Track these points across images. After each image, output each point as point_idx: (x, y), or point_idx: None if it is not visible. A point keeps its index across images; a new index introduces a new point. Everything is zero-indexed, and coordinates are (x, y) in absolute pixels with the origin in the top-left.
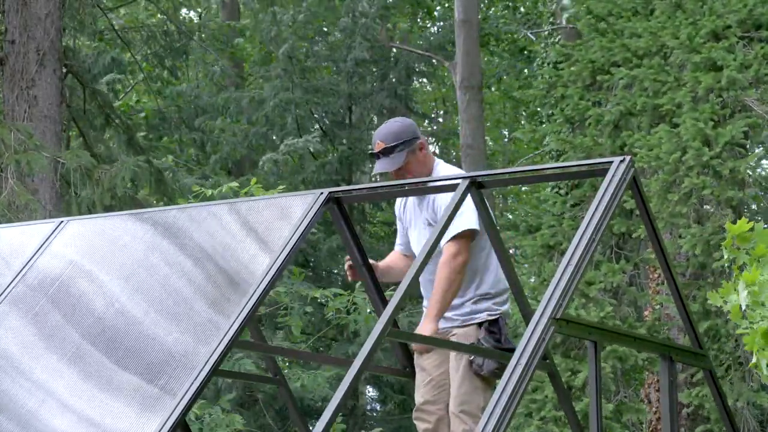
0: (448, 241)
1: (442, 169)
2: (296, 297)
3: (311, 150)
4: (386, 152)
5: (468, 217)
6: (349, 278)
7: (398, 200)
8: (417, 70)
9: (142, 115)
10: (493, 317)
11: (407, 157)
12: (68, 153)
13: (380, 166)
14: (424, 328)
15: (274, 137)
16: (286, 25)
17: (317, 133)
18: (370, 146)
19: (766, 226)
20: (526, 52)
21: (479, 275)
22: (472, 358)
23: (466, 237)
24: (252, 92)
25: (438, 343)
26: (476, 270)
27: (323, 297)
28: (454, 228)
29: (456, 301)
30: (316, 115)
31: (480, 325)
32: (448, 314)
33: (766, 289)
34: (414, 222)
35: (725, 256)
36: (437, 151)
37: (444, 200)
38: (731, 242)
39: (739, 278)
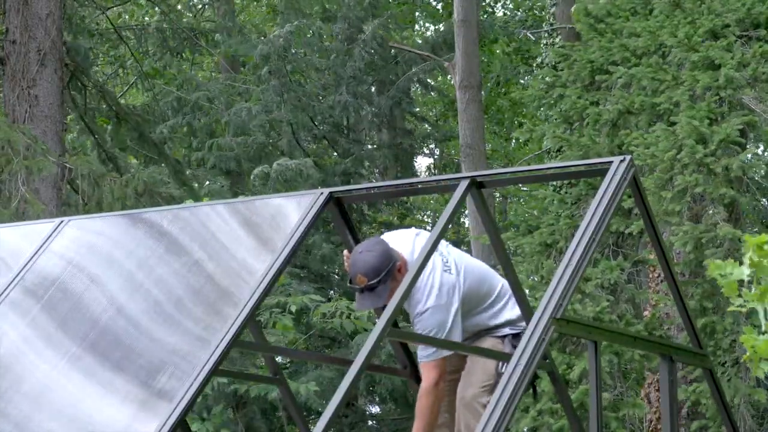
0: (427, 362)
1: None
2: (281, 304)
3: (302, 170)
4: (373, 287)
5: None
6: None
7: None
8: (417, 77)
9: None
10: (516, 332)
11: (390, 286)
12: (77, 159)
13: (367, 303)
14: None
15: (270, 147)
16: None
17: (309, 157)
18: (350, 281)
19: None
20: (525, 52)
21: (499, 304)
22: (501, 369)
23: (444, 358)
24: (248, 103)
25: (440, 343)
26: (495, 300)
27: (312, 303)
28: (430, 350)
29: (474, 324)
30: (314, 122)
31: (503, 338)
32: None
33: None
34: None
35: (745, 270)
36: (436, 152)
37: (415, 296)
38: (750, 255)
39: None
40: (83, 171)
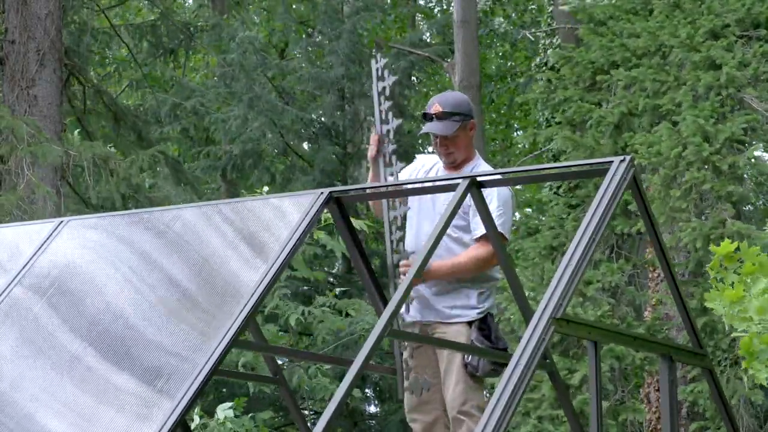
0: (487, 239)
1: (482, 165)
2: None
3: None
4: (442, 117)
5: (508, 222)
6: (371, 153)
7: (417, 168)
8: (416, 74)
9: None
10: (482, 315)
11: (459, 130)
12: (81, 144)
13: (433, 127)
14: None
15: (264, 149)
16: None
17: (303, 158)
18: (423, 110)
19: (754, 245)
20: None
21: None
22: (467, 360)
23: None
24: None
25: (435, 342)
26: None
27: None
28: (499, 226)
29: (439, 288)
30: (305, 122)
31: (470, 324)
32: (437, 306)
33: (751, 303)
34: (425, 212)
35: (712, 277)
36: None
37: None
38: (718, 263)
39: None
40: (88, 155)
